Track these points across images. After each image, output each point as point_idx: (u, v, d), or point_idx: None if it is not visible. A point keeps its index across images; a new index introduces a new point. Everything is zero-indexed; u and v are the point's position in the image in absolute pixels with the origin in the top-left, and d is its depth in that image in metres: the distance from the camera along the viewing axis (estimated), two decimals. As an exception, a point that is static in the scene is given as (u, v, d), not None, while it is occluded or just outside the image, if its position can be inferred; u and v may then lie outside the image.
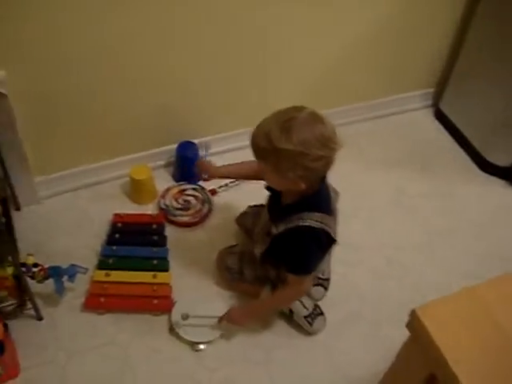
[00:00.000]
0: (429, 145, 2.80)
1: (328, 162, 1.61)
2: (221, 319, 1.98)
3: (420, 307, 1.14)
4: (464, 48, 2.66)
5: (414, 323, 1.16)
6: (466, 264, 2.31)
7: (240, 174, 2.16)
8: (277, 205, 1.82)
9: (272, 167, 1.62)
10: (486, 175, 2.68)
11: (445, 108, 2.86)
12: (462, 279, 2.20)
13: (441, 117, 2.89)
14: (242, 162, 2.06)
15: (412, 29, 2.55)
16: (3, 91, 1.92)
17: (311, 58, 2.46)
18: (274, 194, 1.85)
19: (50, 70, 2.00)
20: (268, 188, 1.86)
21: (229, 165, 2.14)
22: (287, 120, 1.55)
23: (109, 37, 2.00)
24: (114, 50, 2.04)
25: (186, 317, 2.02)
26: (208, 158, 2.27)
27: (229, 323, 1.97)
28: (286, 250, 1.80)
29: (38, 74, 2.00)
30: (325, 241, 1.77)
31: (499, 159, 2.63)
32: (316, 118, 1.58)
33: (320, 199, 1.76)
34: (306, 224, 1.70)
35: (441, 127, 2.88)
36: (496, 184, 2.65)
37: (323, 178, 1.75)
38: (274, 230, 1.80)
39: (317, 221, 1.71)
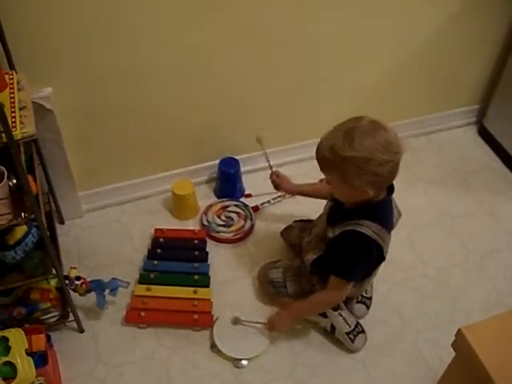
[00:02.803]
0: (472, 162, 2.76)
1: (393, 167, 1.63)
2: (267, 326, 2.00)
3: (466, 327, 1.13)
4: (509, 64, 2.62)
5: (460, 343, 1.14)
6: (510, 285, 2.26)
7: (313, 192, 2.21)
8: (338, 208, 1.83)
9: (339, 177, 1.66)
10: (530, 193, 2.63)
11: (489, 125, 2.81)
12: (508, 301, 2.19)
13: (485, 134, 2.85)
14: (315, 183, 2.19)
15: (457, 47, 2.54)
16: (50, 107, 1.96)
17: (359, 75, 2.46)
18: (338, 202, 1.85)
19: (94, 86, 2.04)
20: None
21: (302, 184, 2.24)
22: (349, 130, 1.61)
23: (156, 53, 2.03)
24: (160, 65, 2.07)
25: (236, 321, 2.04)
26: (280, 172, 2.28)
27: (273, 329, 1.99)
28: (335, 253, 1.80)
29: (83, 90, 2.04)
30: (375, 254, 1.77)
31: (544, 178, 2.58)
32: (376, 125, 1.62)
33: (382, 211, 1.77)
34: (362, 231, 1.71)
35: (485, 145, 2.83)
36: (540, 202, 2.59)
37: (390, 189, 1.76)
38: (331, 234, 1.81)
39: (373, 231, 1.72)
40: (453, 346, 1.18)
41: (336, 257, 1.81)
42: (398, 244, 2.28)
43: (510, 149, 2.70)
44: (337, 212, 1.85)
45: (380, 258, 1.81)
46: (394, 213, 1.85)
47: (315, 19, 2.17)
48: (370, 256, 1.78)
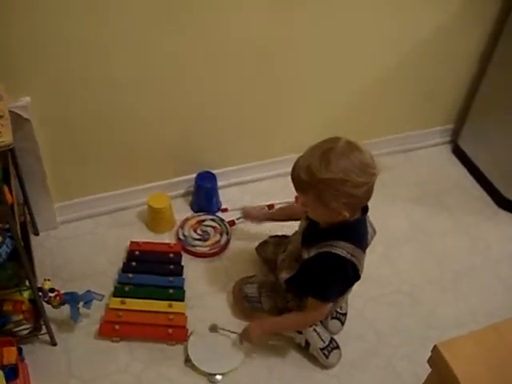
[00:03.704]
0: (447, 181, 2.79)
1: (368, 188, 1.65)
2: (240, 337, 1.99)
3: (442, 343, 1.13)
4: (483, 85, 2.67)
5: (436, 359, 1.14)
6: (486, 303, 2.28)
7: (283, 217, 2.22)
8: (313, 229, 1.84)
9: (315, 198, 1.66)
10: (506, 212, 2.66)
11: (463, 144, 2.86)
12: (483, 318, 2.22)
13: (459, 153, 2.89)
14: (285, 207, 2.21)
15: (431, 65, 2.57)
16: (27, 117, 1.95)
17: (333, 93, 2.48)
18: (312, 222, 1.86)
19: (72, 97, 2.03)
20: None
21: (271, 212, 2.30)
22: (325, 151, 1.61)
23: (132, 65, 2.03)
24: (135, 78, 2.07)
25: (213, 328, 2.04)
26: (249, 205, 2.33)
27: (244, 339, 1.98)
28: (311, 274, 1.80)
29: (60, 101, 2.02)
30: (351, 274, 1.78)
31: (518, 197, 2.62)
32: (352, 147, 1.62)
33: (357, 231, 1.78)
34: (338, 252, 1.72)
35: (459, 164, 2.87)
36: (515, 222, 2.63)
37: (364, 210, 1.77)
38: (305, 255, 1.81)
39: (348, 252, 1.72)
40: (428, 362, 1.18)
41: (312, 279, 1.81)
42: (373, 260, 2.30)
43: (483, 168, 2.75)
44: (311, 233, 1.85)
45: (355, 277, 1.82)
46: (369, 231, 1.86)
47: (293, 34, 2.19)
48: (346, 276, 1.79)
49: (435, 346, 1.13)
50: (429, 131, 2.89)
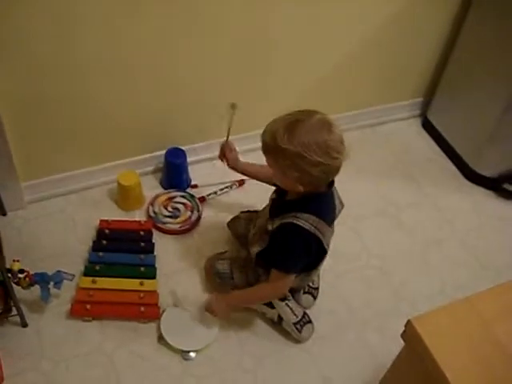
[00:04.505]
0: (416, 155, 2.81)
1: (328, 170, 1.64)
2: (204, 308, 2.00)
3: (416, 317, 1.14)
4: (452, 59, 2.68)
5: (410, 334, 1.15)
6: (455, 274, 2.32)
7: (255, 174, 2.19)
8: (279, 200, 1.85)
9: (274, 163, 1.69)
10: (473, 185, 2.69)
11: (432, 118, 2.87)
12: (452, 289, 2.25)
13: (428, 127, 2.90)
14: (261, 165, 2.04)
15: (401, 39, 2.56)
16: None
17: (303, 68, 2.46)
18: (280, 192, 1.86)
19: (37, 73, 1.98)
20: (275, 185, 1.89)
21: (247, 163, 2.19)
22: (294, 122, 1.61)
23: (98, 43, 1.98)
24: (103, 55, 2.03)
25: (177, 304, 2.05)
26: (234, 146, 2.20)
27: (207, 311, 1.98)
28: (273, 245, 1.82)
29: (23, 77, 1.97)
30: (314, 247, 1.78)
31: (487, 170, 2.64)
32: (324, 125, 1.61)
33: (322, 204, 1.77)
34: (299, 223, 1.71)
35: (428, 137, 2.89)
36: (483, 194, 2.66)
37: (330, 185, 1.77)
38: (270, 227, 1.81)
39: (311, 224, 1.72)
40: (402, 336, 1.19)
41: (275, 249, 1.82)
42: (343, 234, 2.31)
43: (452, 142, 2.77)
44: (278, 204, 1.86)
45: (321, 250, 1.82)
46: (336, 204, 1.86)
47: (263, 11, 2.16)
48: (309, 249, 1.78)
49: (409, 321, 1.14)
50: (398, 105, 2.89)
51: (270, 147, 1.66)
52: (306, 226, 1.72)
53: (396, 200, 2.58)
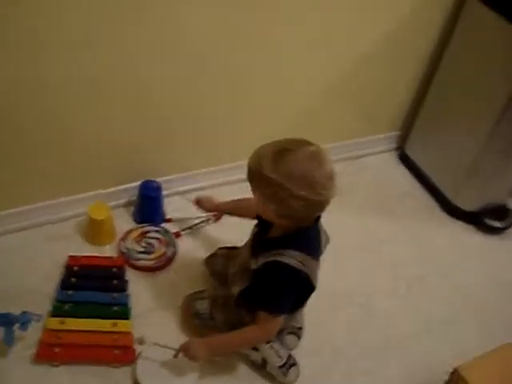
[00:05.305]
0: (395, 188, 2.76)
1: (311, 206, 1.54)
2: (178, 351, 1.81)
3: (463, 366, 1.04)
4: (431, 93, 2.67)
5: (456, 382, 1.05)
6: (440, 310, 2.26)
7: (237, 209, 2.10)
8: (262, 237, 1.75)
9: (256, 191, 1.61)
10: (452, 219, 2.65)
11: (410, 152, 2.85)
12: (438, 325, 2.20)
13: (406, 160, 2.87)
14: (241, 199, 2.03)
15: (379, 73, 2.55)
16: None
17: (280, 100, 2.41)
18: (263, 226, 1.76)
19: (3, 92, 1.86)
20: (258, 217, 1.79)
21: (226, 202, 2.14)
22: (283, 150, 1.53)
23: (71, 68, 1.89)
24: (75, 81, 1.93)
25: (142, 342, 1.85)
26: (204, 194, 2.18)
27: (185, 356, 1.79)
28: (259, 286, 1.70)
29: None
30: (303, 284, 1.68)
31: (465, 204, 2.61)
32: (314, 158, 1.53)
33: (308, 240, 1.68)
34: (285, 261, 1.61)
35: (406, 171, 2.86)
36: (462, 228, 2.62)
37: (316, 219, 1.68)
38: (253, 265, 1.70)
39: (298, 261, 1.62)
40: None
41: (261, 290, 1.70)
42: (325, 270, 2.22)
43: (431, 175, 2.74)
44: (261, 241, 1.75)
45: (309, 287, 1.72)
46: (322, 239, 1.77)
47: (244, 38, 2.11)
48: (297, 287, 1.68)
49: (455, 370, 1.04)
50: (376, 138, 2.86)
51: (254, 173, 1.58)
52: (292, 262, 1.61)
53: (376, 234, 2.51)
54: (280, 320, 1.73)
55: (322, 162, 1.52)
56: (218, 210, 2.19)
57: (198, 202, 2.19)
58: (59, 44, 1.81)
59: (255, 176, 1.57)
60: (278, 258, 1.62)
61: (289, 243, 1.64)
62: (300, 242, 1.65)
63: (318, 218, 1.69)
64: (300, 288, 1.70)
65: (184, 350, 1.79)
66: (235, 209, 2.10)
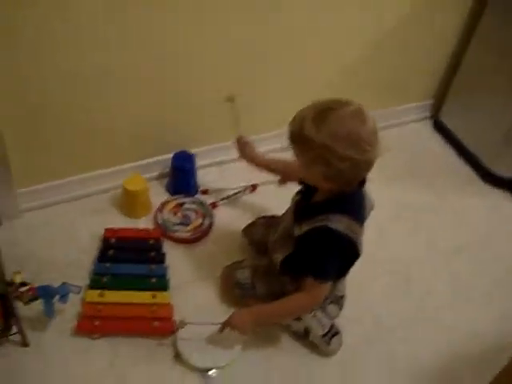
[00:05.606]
0: (429, 157, 2.72)
1: (357, 165, 1.49)
2: (223, 326, 1.78)
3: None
4: (466, 59, 2.62)
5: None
6: (479, 280, 2.22)
7: (275, 168, 2.06)
8: (305, 202, 1.71)
9: (299, 154, 1.56)
10: (491, 187, 2.59)
11: (445, 120, 2.79)
12: (479, 295, 2.17)
13: (440, 129, 2.82)
14: (285, 160, 1.95)
15: (412, 40, 2.50)
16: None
17: (314, 70, 2.37)
18: (306, 190, 1.72)
19: (32, 70, 1.83)
20: (301, 182, 1.75)
21: (269, 158, 2.08)
22: (325, 110, 1.48)
23: (101, 44, 1.87)
24: (105, 56, 1.91)
25: (182, 325, 1.82)
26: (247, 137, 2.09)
27: (232, 329, 1.77)
28: (307, 252, 1.66)
29: (19, 74, 1.82)
30: (348, 250, 1.64)
31: (504, 171, 2.56)
32: (357, 116, 1.48)
33: (353, 204, 1.64)
34: (332, 226, 1.57)
35: (440, 139, 2.81)
36: (501, 196, 2.57)
37: (361, 184, 1.63)
38: (297, 231, 1.67)
39: (344, 226, 1.58)
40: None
41: (307, 256, 1.66)
42: (364, 239, 2.20)
43: (467, 143, 2.68)
44: (304, 207, 1.71)
45: (354, 254, 1.68)
46: (367, 205, 1.73)
47: (267, 13, 2.07)
48: (344, 252, 1.64)
49: None
50: (408, 107, 2.81)
51: (296, 136, 1.53)
52: (339, 228, 1.58)
53: (413, 204, 2.46)
54: (327, 286, 1.70)
55: (365, 120, 1.48)
56: (257, 163, 2.08)
57: (240, 144, 2.09)
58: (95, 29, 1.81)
59: (298, 139, 1.52)
60: (325, 223, 1.58)
61: (334, 208, 1.59)
62: (345, 206, 1.61)
63: (363, 182, 1.64)
64: (346, 254, 1.66)
65: (230, 323, 1.77)
66: (279, 167, 2.05)
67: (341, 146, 1.44)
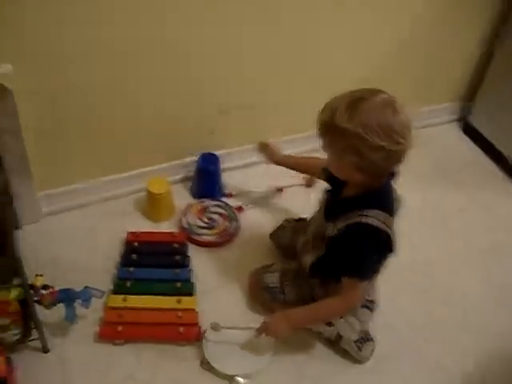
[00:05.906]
0: (459, 158, 2.68)
1: (389, 157, 1.44)
2: (259, 331, 1.72)
3: None
4: (495, 60, 2.58)
5: None
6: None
7: (302, 166, 2.06)
8: (335, 199, 1.66)
9: (330, 145, 1.52)
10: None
11: (474, 121, 2.75)
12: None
13: (469, 130, 2.78)
14: (308, 157, 1.97)
15: (440, 41, 2.46)
16: (9, 87, 1.69)
17: (342, 69, 2.32)
18: (334, 187, 1.68)
19: (57, 68, 1.80)
20: (329, 180, 1.70)
21: (291, 156, 2.07)
22: (357, 99, 1.44)
23: (128, 42, 1.84)
24: (131, 50, 1.87)
25: (217, 328, 1.76)
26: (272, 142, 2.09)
27: (267, 334, 1.71)
28: (343, 251, 1.59)
29: (46, 76, 1.80)
30: (385, 245, 1.58)
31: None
32: (389, 105, 1.43)
33: (385, 197, 1.59)
34: (369, 222, 1.52)
35: (469, 141, 2.77)
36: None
37: (391, 176, 1.58)
38: (330, 231, 1.60)
39: (380, 220, 1.53)
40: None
41: (343, 255, 1.59)
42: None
43: (496, 143, 2.64)
44: (335, 204, 1.65)
45: (389, 249, 1.61)
46: (397, 197, 1.68)
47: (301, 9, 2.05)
48: (382, 248, 1.59)
49: None
50: (435, 108, 2.77)
51: (327, 126, 1.48)
52: (376, 223, 1.52)
53: (442, 206, 2.41)
54: (363, 287, 1.64)
55: (398, 109, 1.43)
56: (282, 163, 2.07)
57: (263, 148, 2.10)
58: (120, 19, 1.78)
59: (329, 129, 1.48)
60: (362, 219, 1.52)
61: (368, 202, 1.54)
62: (379, 200, 1.56)
63: (393, 174, 1.59)
64: (383, 249, 1.60)
65: (266, 328, 1.71)
66: (302, 164, 2.04)
67: (372, 135, 1.40)
